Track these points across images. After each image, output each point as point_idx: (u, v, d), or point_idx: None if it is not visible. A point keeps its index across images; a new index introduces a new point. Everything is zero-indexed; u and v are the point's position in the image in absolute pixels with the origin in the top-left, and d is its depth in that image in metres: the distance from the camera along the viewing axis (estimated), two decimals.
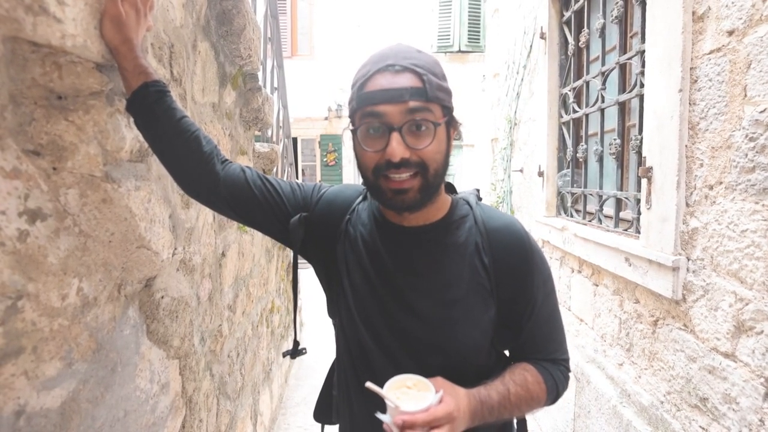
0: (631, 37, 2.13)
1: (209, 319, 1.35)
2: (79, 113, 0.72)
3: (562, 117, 2.85)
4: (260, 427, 2.12)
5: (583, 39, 2.57)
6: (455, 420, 0.65)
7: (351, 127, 0.74)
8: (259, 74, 2.23)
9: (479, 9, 8.93)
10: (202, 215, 1.27)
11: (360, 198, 0.88)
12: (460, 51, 9.25)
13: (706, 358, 1.42)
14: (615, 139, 2.12)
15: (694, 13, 1.52)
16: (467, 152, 9.03)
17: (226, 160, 0.87)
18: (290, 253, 3.15)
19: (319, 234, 0.85)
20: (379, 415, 0.68)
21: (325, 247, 0.85)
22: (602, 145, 2.30)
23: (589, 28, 2.54)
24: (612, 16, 2.22)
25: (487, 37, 5.35)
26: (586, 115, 2.49)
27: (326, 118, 9.16)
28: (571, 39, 2.78)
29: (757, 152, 1.23)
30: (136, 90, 0.76)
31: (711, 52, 1.43)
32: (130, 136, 0.82)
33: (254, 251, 2.01)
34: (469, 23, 9.13)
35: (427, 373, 0.71)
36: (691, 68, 1.52)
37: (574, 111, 2.65)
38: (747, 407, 1.24)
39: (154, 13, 0.92)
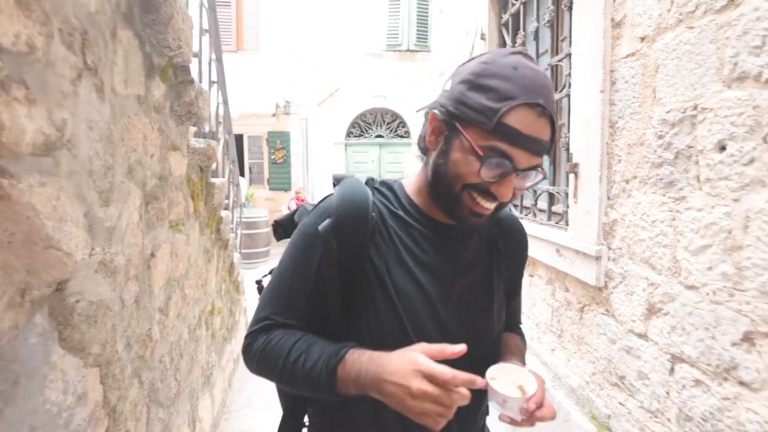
0: (562, 40, 2.25)
1: (136, 323, 1.27)
2: None
3: None
4: None
5: (519, 41, 2.68)
6: None
7: (462, 130, 0.64)
8: (195, 67, 2.13)
9: (427, 8, 9.08)
10: (126, 213, 1.20)
11: (370, 192, 0.77)
12: (408, 50, 9.36)
13: (624, 340, 1.54)
14: None
15: (612, 19, 1.63)
16: (415, 150, 9.17)
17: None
18: (232, 253, 3.05)
19: (343, 250, 0.72)
20: (495, 406, 0.66)
21: (351, 258, 0.72)
22: None
23: (524, 30, 2.66)
24: (544, 20, 2.33)
25: (432, 37, 5.45)
26: None
27: (274, 115, 8.94)
28: (509, 40, 2.90)
29: (664, 149, 1.34)
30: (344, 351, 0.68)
31: (627, 56, 1.55)
32: (31, 127, 0.75)
33: (190, 251, 1.92)
34: (417, 22, 9.25)
35: (468, 358, 0.70)
36: (611, 71, 1.63)
37: None
38: (656, 381, 1.36)
39: None
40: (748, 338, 1.07)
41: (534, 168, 0.64)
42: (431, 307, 0.72)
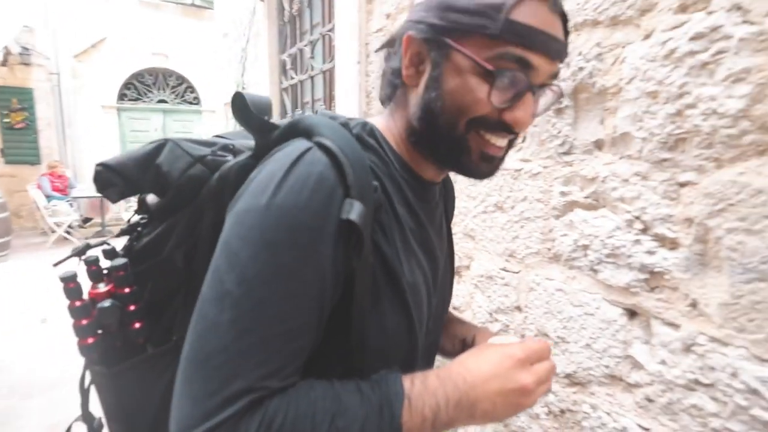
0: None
1: None
2: None
3: (282, 83, 2.92)
4: None
5: (296, 6, 2.66)
6: None
7: (456, 45, 0.47)
8: None
9: None
10: None
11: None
12: (194, 5, 8.35)
13: None
14: (321, 106, 2.31)
15: None
16: (207, 118, 8.40)
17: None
18: None
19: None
20: None
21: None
22: (313, 111, 2.48)
23: None
24: None
25: None
26: (301, 82, 2.63)
27: (4, 64, 6.80)
28: (287, 5, 2.85)
29: None
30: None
31: (377, 31, 1.69)
32: None
33: None
34: None
35: (432, 348, 0.62)
36: (365, 43, 1.76)
37: (291, 78, 2.75)
38: None
39: None
40: None
41: (552, 80, 0.50)
42: (429, 294, 0.57)
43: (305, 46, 2.53)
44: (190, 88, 8.55)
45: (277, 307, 0.41)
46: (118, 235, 0.63)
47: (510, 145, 0.52)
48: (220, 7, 4.75)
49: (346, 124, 0.52)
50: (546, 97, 0.51)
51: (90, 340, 0.54)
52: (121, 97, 8.03)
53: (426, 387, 0.44)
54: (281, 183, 0.42)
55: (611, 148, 0.90)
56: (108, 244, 0.60)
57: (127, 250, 0.59)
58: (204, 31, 8.10)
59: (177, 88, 8.49)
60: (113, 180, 0.55)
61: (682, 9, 0.76)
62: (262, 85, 3.07)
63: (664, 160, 0.80)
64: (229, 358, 0.40)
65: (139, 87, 8.18)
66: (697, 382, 0.78)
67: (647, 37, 0.81)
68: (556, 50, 0.47)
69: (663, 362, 0.84)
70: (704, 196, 0.75)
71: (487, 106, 0.47)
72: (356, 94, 1.76)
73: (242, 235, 0.42)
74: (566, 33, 0.49)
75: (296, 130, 0.48)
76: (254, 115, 0.49)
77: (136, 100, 8.19)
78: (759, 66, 0.66)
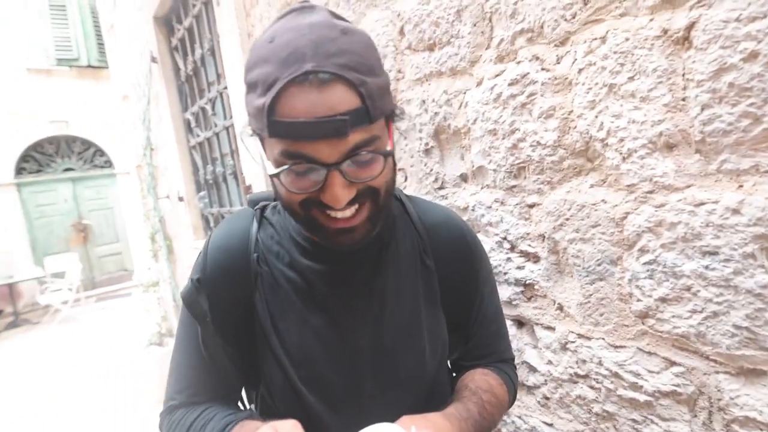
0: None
1: None
2: None
3: (189, 141, 2.88)
4: None
5: (190, 66, 2.66)
6: None
7: (262, 144, 0.53)
8: None
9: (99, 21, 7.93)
10: None
11: (255, 226, 0.64)
12: (90, 66, 7.98)
13: None
14: (230, 161, 2.31)
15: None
16: (123, 181, 7.95)
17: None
18: None
19: (225, 302, 0.63)
20: None
21: (234, 317, 0.63)
22: (224, 166, 2.47)
23: (194, 56, 2.65)
24: (205, 48, 2.38)
25: (108, 55, 4.81)
26: (208, 139, 2.61)
27: None
28: (182, 65, 2.83)
29: None
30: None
31: None
32: None
33: None
34: (96, 35, 7.96)
35: (391, 414, 0.56)
36: None
37: (198, 135, 2.72)
38: None
39: None
40: None
41: (362, 148, 0.48)
42: (336, 358, 0.61)
43: (206, 104, 2.53)
44: (99, 152, 8.09)
45: (181, 346, 0.65)
46: None
47: (373, 208, 0.53)
48: (115, 70, 4.60)
49: (263, 207, 0.66)
50: (373, 158, 0.50)
51: None
52: (20, 171, 7.40)
53: None
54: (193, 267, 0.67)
55: (473, 180, 1.01)
56: None
57: None
58: (103, 92, 7.75)
59: (84, 153, 7.99)
60: None
61: (500, 59, 0.89)
62: (170, 146, 3.01)
63: (513, 186, 0.92)
64: (169, 375, 0.67)
65: (39, 158, 7.60)
66: (576, 375, 0.89)
67: (479, 84, 0.93)
68: (333, 129, 0.45)
69: (549, 362, 0.94)
70: (547, 215, 0.86)
71: (303, 193, 0.50)
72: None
73: None
74: (361, 94, 0.46)
75: None
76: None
77: (38, 172, 7.59)
78: (560, 104, 0.79)
